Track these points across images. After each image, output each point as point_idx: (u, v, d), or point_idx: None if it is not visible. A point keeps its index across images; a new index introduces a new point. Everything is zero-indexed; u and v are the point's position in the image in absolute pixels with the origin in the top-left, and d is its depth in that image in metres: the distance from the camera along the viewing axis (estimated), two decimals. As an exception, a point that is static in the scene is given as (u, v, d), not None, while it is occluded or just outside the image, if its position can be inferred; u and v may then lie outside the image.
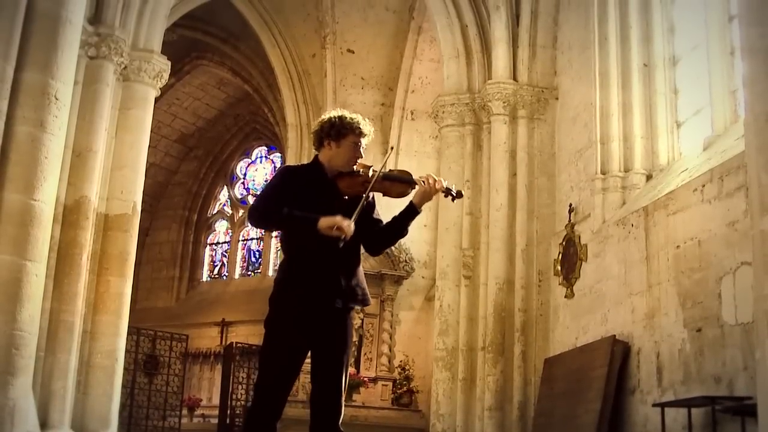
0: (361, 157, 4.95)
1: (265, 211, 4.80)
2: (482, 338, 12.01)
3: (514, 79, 12.64)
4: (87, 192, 10.35)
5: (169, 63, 11.71)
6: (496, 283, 11.98)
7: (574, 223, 11.38)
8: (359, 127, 4.91)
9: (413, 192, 4.96)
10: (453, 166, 12.86)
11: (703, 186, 8.54)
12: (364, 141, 4.94)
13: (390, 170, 5.02)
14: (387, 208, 5.08)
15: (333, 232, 4.66)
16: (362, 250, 5.06)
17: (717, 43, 9.30)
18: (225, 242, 23.44)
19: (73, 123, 10.05)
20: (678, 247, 8.90)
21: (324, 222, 4.66)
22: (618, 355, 9.66)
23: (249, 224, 4.65)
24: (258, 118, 22.57)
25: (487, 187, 12.53)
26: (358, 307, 5.04)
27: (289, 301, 4.78)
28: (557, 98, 12.50)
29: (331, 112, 5.02)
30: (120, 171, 10.99)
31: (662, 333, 9.03)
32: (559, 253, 11.60)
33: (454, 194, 4.97)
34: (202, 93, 22.02)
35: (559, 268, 11.57)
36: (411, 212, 4.95)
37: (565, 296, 11.33)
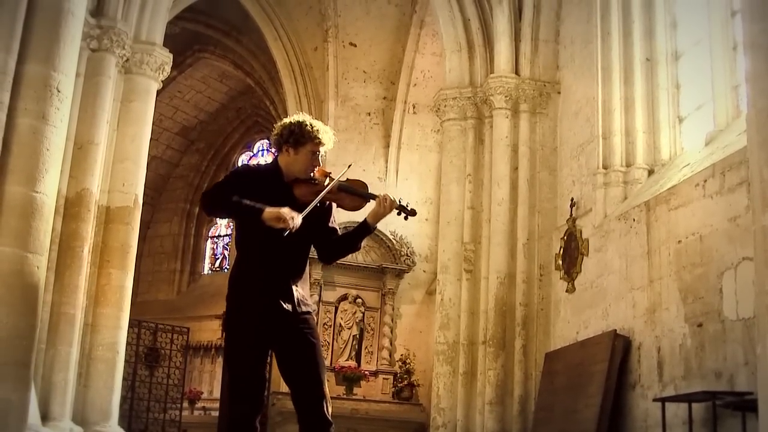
0: (319, 165, 4.92)
1: (216, 197, 4.80)
2: (483, 332, 12.02)
3: (517, 73, 12.63)
4: (88, 184, 10.34)
5: (171, 56, 11.69)
6: (497, 277, 11.98)
7: (575, 217, 11.38)
8: (318, 137, 4.88)
9: (367, 206, 4.94)
10: (455, 159, 12.86)
11: (705, 181, 8.54)
12: (322, 149, 4.90)
13: (347, 180, 4.96)
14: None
15: (277, 224, 4.64)
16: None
17: (719, 39, 9.30)
18: (226, 235, 23.44)
19: (75, 115, 10.04)
20: (679, 242, 8.90)
21: (268, 213, 4.64)
22: (619, 349, 9.67)
23: (203, 210, 4.68)
24: (260, 111, 22.55)
25: (488, 181, 12.53)
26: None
27: (240, 300, 4.79)
28: (559, 92, 12.50)
29: (293, 117, 4.99)
30: (122, 163, 10.98)
31: (663, 328, 9.03)
32: (561, 247, 11.60)
33: (408, 211, 4.94)
34: (204, 86, 22.01)
35: (560, 262, 11.57)
36: (364, 229, 4.96)
37: (567, 291, 11.33)
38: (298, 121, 4.92)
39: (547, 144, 12.43)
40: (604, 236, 10.57)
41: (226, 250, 23.24)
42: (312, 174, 4.90)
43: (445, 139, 13.32)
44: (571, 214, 11.46)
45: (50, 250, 7.80)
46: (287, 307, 4.75)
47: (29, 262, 6.74)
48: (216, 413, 17.04)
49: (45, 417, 9.51)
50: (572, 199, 11.52)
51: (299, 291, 4.84)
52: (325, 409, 4.72)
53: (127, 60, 11.06)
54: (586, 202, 11.23)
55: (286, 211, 4.64)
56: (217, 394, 17.94)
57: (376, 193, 4.95)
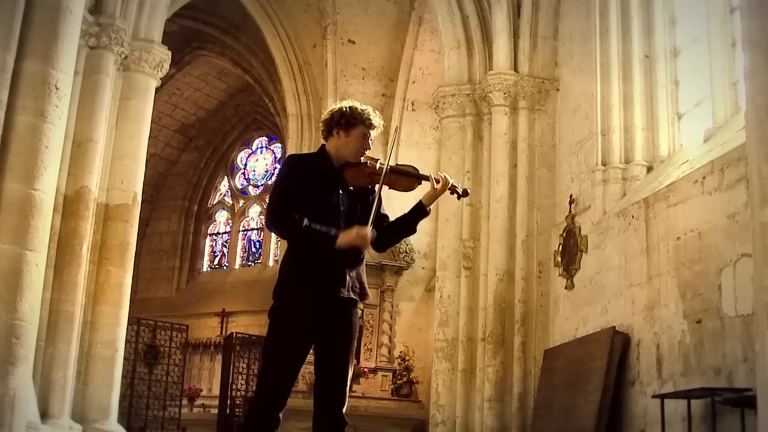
0: (369, 149, 4.97)
1: (285, 220, 4.77)
2: (482, 329, 12.02)
3: (515, 70, 12.62)
4: (87, 182, 10.34)
5: (170, 53, 11.69)
6: (496, 274, 11.98)
7: (574, 214, 11.38)
8: (369, 119, 4.93)
9: (419, 187, 4.98)
10: (453, 157, 12.84)
11: (704, 178, 8.54)
12: (373, 133, 4.96)
13: (397, 164, 5.03)
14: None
15: (354, 244, 4.70)
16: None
17: (718, 35, 9.29)
18: (225, 232, 23.44)
19: (74, 113, 10.04)
20: (678, 238, 8.90)
21: (343, 239, 4.69)
22: (618, 346, 9.67)
23: (267, 227, 4.76)
24: (258, 109, 22.55)
25: (487, 178, 12.53)
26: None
27: (294, 293, 4.77)
28: (558, 89, 12.49)
29: (343, 103, 5.03)
30: (120, 161, 10.99)
31: (662, 324, 9.04)
32: (560, 244, 11.60)
33: (460, 192, 4.99)
34: (203, 83, 22.01)
35: (559, 259, 11.57)
36: (420, 212, 4.97)
37: (565, 287, 11.33)
38: (350, 105, 4.97)
39: (545, 141, 12.42)
40: (603, 233, 10.57)
41: (225, 247, 23.24)
42: (362, 158, 4.95)
43: (443, 136, 13.31)
44: (569, 211, 11.47)
45: (49, 247, 7.79)
46: (341, 294, 4.76)
47: (28, 260, 6.75)
48: (215, 410, 17.05)
49: (44, 414, 9.53)
50: (571, 196, 11.52)
51: (352, 277, 4.84)
52: (342, 409, 4.74)
53: (126, 57, 11.06)
54: (584, 199, 11.23)
55: (356, 230, 4.71)
56: (216, 391, 17.93)
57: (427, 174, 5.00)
